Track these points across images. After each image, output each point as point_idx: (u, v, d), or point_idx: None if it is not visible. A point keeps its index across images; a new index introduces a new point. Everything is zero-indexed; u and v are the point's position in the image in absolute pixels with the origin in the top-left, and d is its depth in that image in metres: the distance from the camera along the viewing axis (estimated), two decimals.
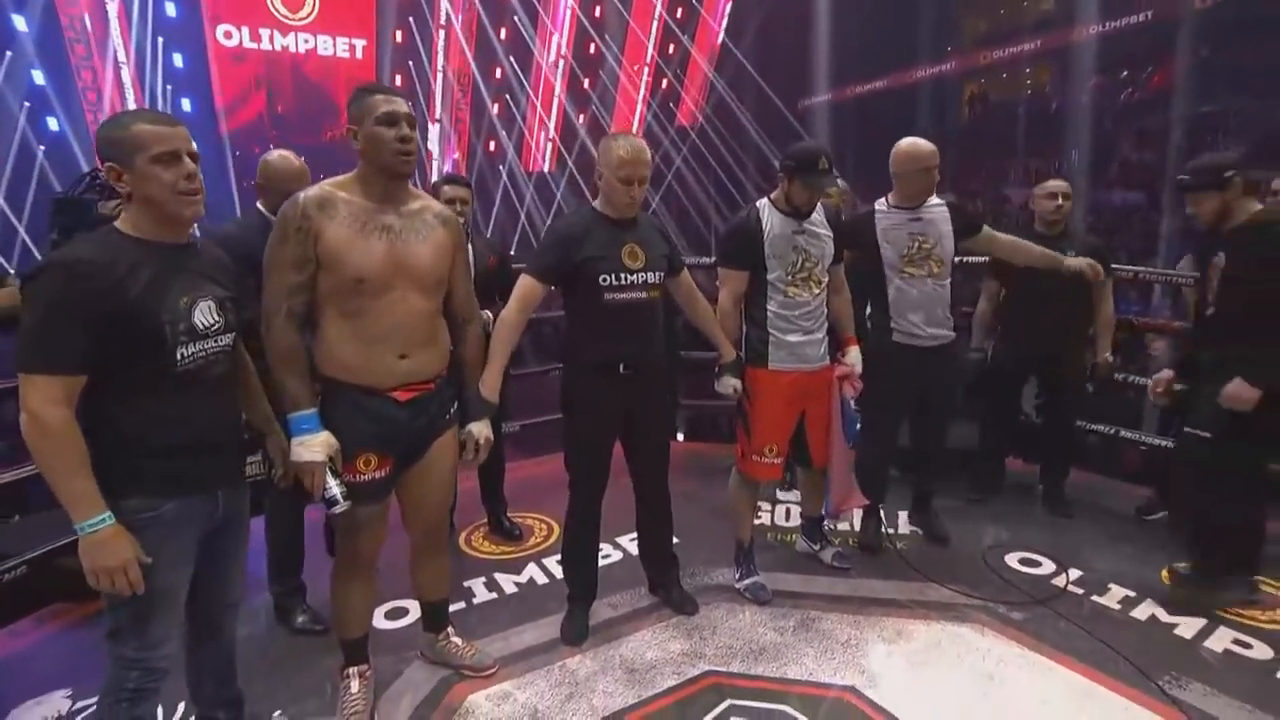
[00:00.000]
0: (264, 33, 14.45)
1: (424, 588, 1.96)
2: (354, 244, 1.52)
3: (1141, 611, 2.27)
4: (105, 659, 1.34)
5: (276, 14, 14.49)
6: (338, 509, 1.53)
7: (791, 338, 2.22)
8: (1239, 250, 2.12)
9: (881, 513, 2.72)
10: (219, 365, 1.37)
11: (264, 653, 2.08)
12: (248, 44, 14.39)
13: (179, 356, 1.28)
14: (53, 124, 12.32)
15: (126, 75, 12.70)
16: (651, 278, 2.01)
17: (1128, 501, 3.15)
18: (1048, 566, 2.56)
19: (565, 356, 2.13)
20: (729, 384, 2.20)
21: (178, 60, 13.74)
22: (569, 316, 2.10)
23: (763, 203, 2.26)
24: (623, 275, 1.95)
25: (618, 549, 2.71)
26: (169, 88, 13.54)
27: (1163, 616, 2.23)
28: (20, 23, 11.67)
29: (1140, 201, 10.42)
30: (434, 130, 15.42)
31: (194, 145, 1.29)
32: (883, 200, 2.51)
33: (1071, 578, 2.47)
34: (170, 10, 13.69)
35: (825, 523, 2.67)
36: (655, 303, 2.06)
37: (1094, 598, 2.35)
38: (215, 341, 1.35)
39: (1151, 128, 10.73)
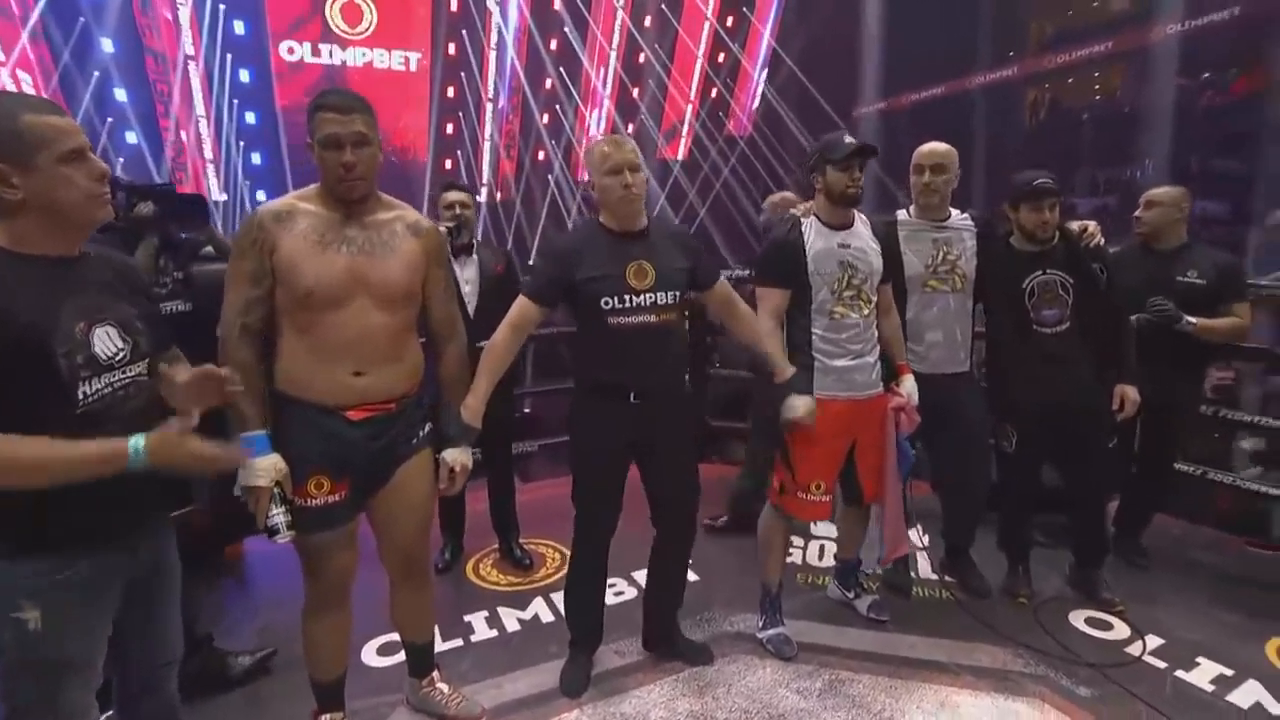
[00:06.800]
0: (324, 48, 14.98)
1: (404, 628, 1.80)
2: (309, 256, 1.42)
3: (1242, 696, 1.92)
4: None
5: (336, 29, 15.01)
6: (279, 538, 1.42)
7: (839, 362, 1.98)
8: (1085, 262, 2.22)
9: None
10: (132, 401, 1.15)
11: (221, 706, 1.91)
12: (309, 59, 14.94)
13: (80, 395, 1.07)
14: (130, 138, 13.06)
15: (198, 93, 13.38)
16: (663, 298, 1.78)
17: (1217, 555, 2.77)
18: (1120, 630, 2.22)
19: (574, 382, 1.95)
20: (798, 405, 1.90)
21: (244, 76, 14.40)
22: (576, 337, 1.92)
23: (803, 218, 2.04)
24: (627, 297, 1.74)
25: (632, 585, 2.50)
26: (235, 102, 14.21)
27: (1272, 706, 1.88)
28: (107, 45, 12.48)
29: (1222, 212, 9.64)
30: (486, 146, 15.61)
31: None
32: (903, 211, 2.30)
33: (1150, 646, 2.13)
34: (239, 28, 14.37)
35: (863, 568, 2.40)
36: (669, 326, 1.82)
37: (1179, 673, 2.01)
38: (123, 373, 1.13)
39: (1236, 133, 9.93)
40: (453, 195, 2.50)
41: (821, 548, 2.80)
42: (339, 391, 1.47)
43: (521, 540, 2.78)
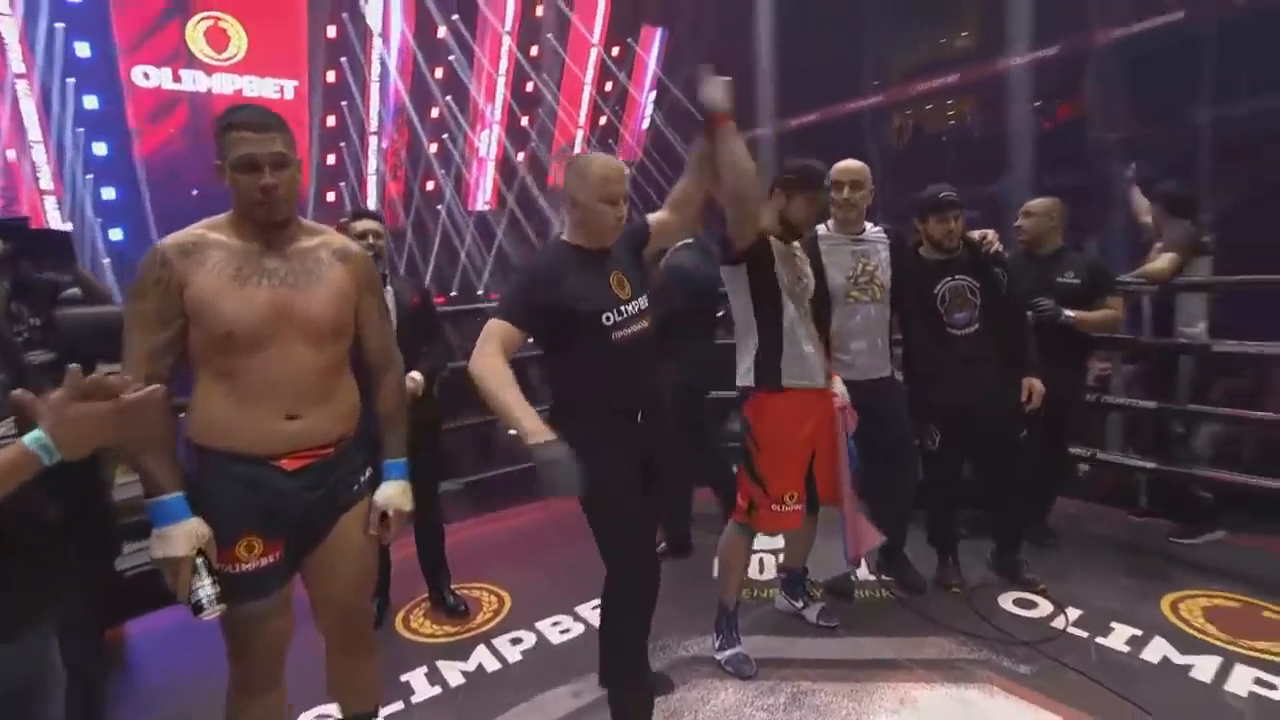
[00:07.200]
0: (186, 74, 13.82)
1: (345, 696, 1.60)
2: (226, 293, 1.26)
3: (1152, 653, 2.10)
4: None
5: (200, 55, 13.89)
6: (207, 615, 1.22)
7: (806, 348, 2.02)
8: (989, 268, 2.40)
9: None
10: None
11: None
12: (169, 86, 13.71)
13: None
14: None
15: (31, 117, 11.92)
16: (644, 302, 1.72)
17: (1109, 527, 3.04)
18: (1044, 607, 2.38)
19: (568, 419, 1.67)
20: (714, 82, 1.73)
21: (91, 103, 12.98)
22: (564, 370, 1.73)
23: None
24: (621, 308, 1.66)
25: (579, 621, 2.40)
26: (81, 130, 12.77)
27: (1175, 658, 2.07)
28: None
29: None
30: (371, 178, 14.94)
31: None
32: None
33: (1071, 618, 2.29)
34: (82, 50, 12.96)
35: (808, 575, 2.43)
36: (652, 330, 1.75)
37: (1099, 640, 2.17)
38: None
39: (1065, 153, 11.33)
40: (364, 224, 2.30)
41: (761, 561, 2.81)
42: (269, 439, 1.30)
43: (454, 586, 2.60)
